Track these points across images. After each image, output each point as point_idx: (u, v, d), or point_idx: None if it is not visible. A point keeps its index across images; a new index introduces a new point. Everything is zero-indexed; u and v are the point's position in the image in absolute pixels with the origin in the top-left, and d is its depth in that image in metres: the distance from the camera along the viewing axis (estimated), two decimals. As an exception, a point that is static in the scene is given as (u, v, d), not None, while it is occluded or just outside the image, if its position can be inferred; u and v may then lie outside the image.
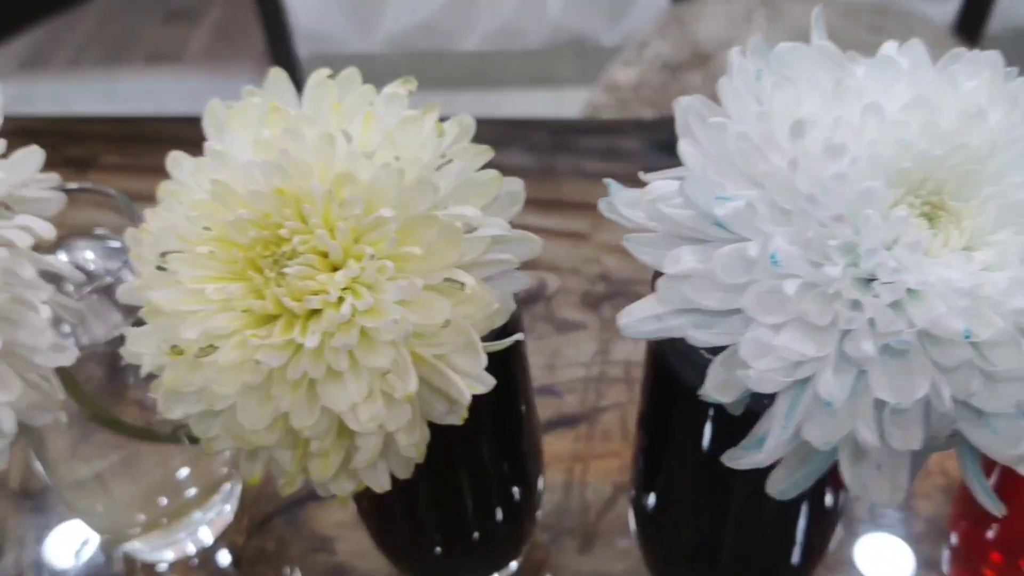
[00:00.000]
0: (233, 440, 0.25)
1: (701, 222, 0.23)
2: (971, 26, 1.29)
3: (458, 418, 0.27)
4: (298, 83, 0.27)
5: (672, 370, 0.31)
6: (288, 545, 0.49)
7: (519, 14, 1.88)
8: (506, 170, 0.27)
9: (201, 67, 2.08)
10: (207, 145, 0.27)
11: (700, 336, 0.22)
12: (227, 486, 0.48)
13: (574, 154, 0.69)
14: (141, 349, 0.26)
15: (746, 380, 0.21)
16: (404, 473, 0.28)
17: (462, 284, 0.25)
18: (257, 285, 0.25)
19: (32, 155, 0.29)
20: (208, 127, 0.27)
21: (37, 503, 0.52)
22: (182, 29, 2.15)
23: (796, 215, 0.22)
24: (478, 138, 0.27)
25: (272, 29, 1.88)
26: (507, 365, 0.35)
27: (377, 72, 0.29)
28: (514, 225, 0.26)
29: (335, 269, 0.25)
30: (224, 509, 0.48)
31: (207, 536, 0.48)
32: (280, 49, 1.90)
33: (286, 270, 0.25)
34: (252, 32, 2.07)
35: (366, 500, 0.42)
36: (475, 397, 0.25)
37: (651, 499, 0.39)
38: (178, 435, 0.43)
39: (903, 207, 0.22)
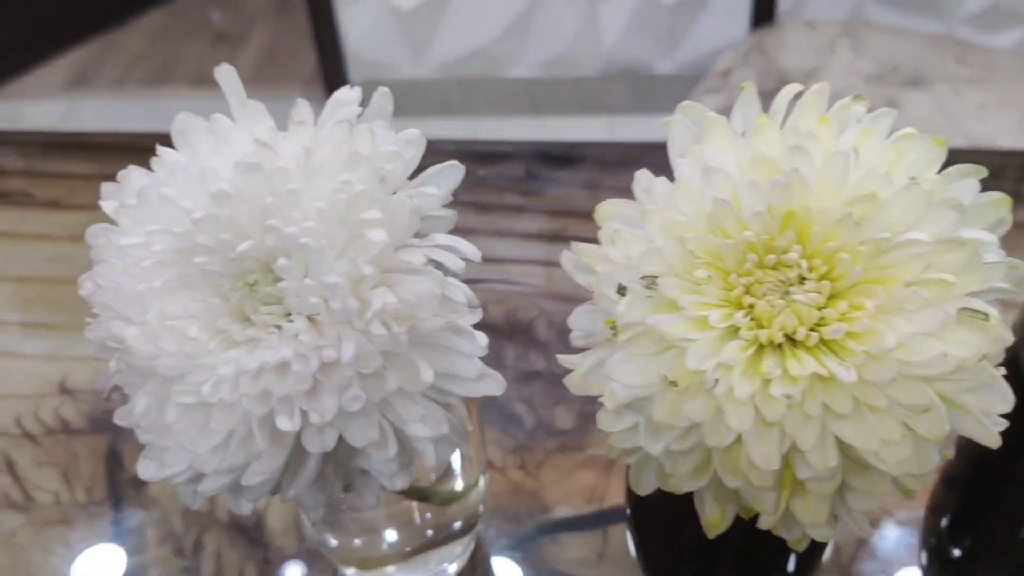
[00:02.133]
0: (730, 478, 0.24)
1: None
2: (1058, 59, 1.29)
3: (940, 460, 0.25)
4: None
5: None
6: (528, 583, 0.47)
7: (574, 43, 1.88)
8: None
9: (249, 89, 2.07)
10: (680, 162, 0.25)
11: None
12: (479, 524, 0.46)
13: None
14: (621, 379, 0.24)
15: None
16: (868, 532, 0.26)
17: (985, 315, 0.23)
18: (760, 313, 0.23)
19: (450, 171, 0.27)
20: (673, 146, 0.25)
21: (253, 535, 0.50)
22: (229, 51, 2.14)
23: None
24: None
25: (326, 54, 1.88)
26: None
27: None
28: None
29: (832, 296, 0.24)
30: (471, 545, 0.46)
31: (452, 571, 0.46)
32: (333, 73, 1.90)
33: (797, 297, 0.23)
34: (300, 55, 2.06)
35: (656, 530, 0.40)
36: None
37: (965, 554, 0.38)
38: (426, 493, 0.41)
39: None
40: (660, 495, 0.37)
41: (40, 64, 2.09)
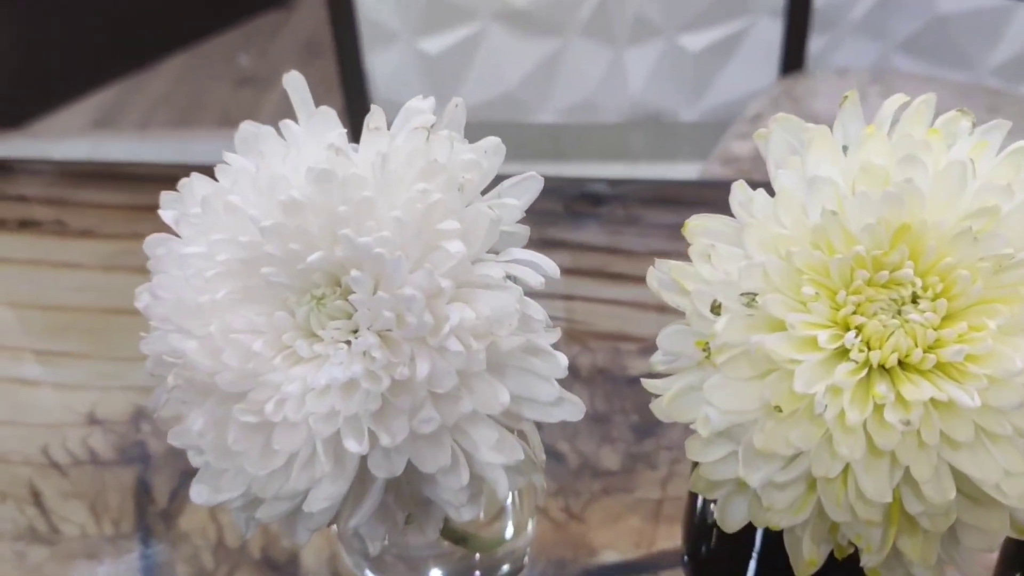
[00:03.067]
0: (836, 511, 0.22)
1: None
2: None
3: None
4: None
5: None
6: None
7: (599, 89, 1.88)
8: None
9: (272, 131, 2.07)
10: (780, 173, 0.23)
11: None
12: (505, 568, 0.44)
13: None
14: (718, 404, 0.22)
15: None
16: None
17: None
18: (871, 333, 0.22)
19: (529, 183, 0.26)
20: (771, 158, 0.24)
21: (287, 572, 0.48)
22: (254, 94, 2.16)
23: None
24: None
25: (352, 98, 1.88)
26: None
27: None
28: None
29: (947, 317, 0.22)
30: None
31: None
32: (360, 118, 1.90)
33: (911, 316, 0.22)
34: (326, 99, 2.07)
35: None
36: None
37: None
38: (467, 538, 0.38)
39: None
40: (721, 540, 0.35)
41: (65, 105, 2.10)
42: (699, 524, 0.36)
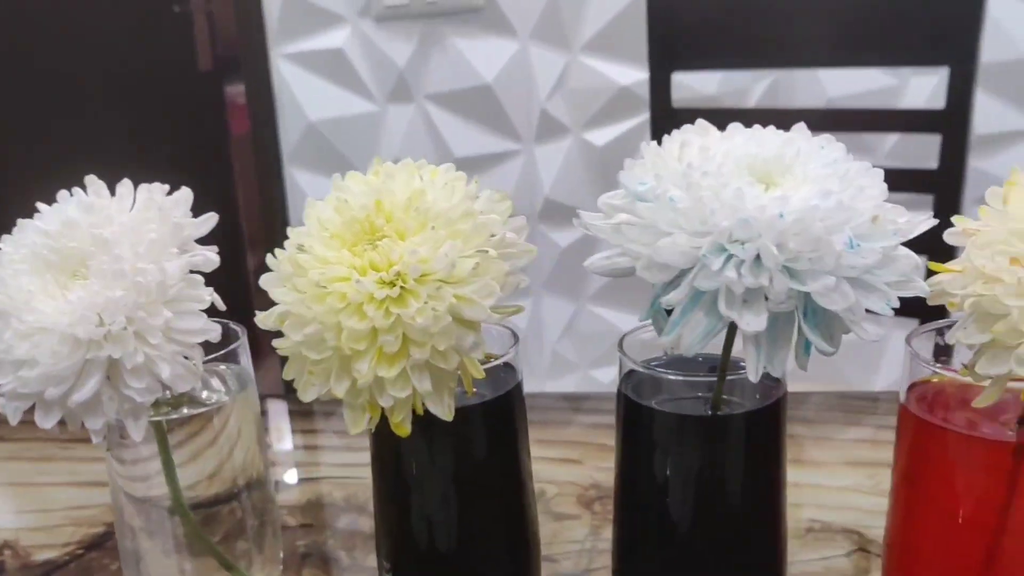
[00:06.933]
0: (340, 342, 0.38)
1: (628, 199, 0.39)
2: None
3: (481, 352, 0.40)
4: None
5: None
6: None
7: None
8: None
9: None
10: (334, 187, 0.43)
11: (636, 248, 0.37)
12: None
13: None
14: (279, 299, 0.40)
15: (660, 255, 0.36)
16: (447, 414, 0.40)
17: (487, 251, 0.40)
18: (358, 252, 0.40)
19: (209, 219, 0.45)
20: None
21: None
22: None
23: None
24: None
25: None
26: (510, 413, 0.48)
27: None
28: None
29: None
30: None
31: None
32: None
33: (380, 243, 0.40)
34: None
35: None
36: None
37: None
38: (232, 568, 0.53)
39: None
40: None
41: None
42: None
